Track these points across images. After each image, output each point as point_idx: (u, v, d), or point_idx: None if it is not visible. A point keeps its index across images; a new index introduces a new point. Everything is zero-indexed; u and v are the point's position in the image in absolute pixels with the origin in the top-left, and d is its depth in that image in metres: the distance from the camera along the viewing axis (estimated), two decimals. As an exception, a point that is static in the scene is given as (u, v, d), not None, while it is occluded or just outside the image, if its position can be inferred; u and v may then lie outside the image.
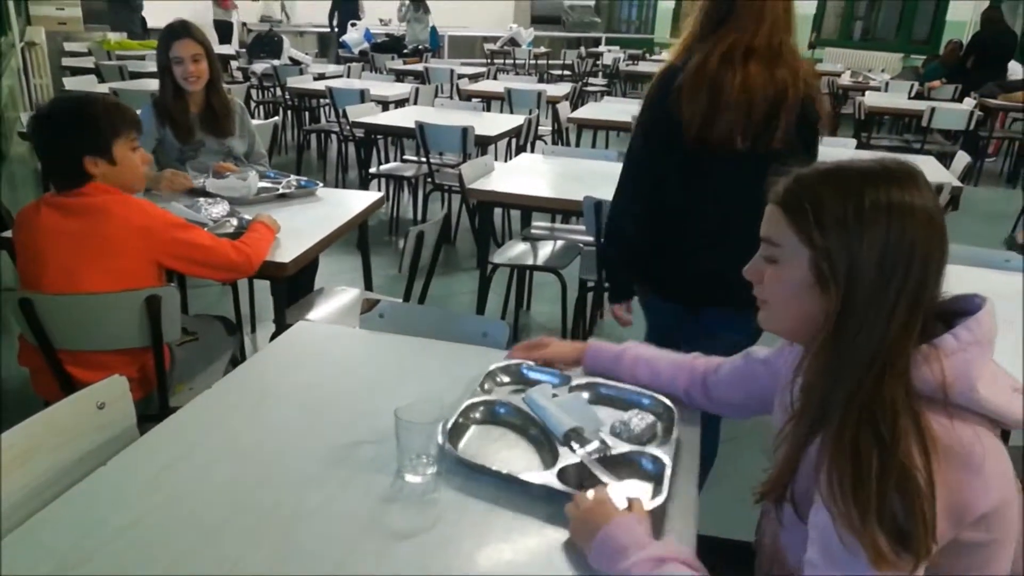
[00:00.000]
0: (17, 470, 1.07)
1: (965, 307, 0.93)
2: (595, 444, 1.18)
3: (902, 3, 11.77)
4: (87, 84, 5.32)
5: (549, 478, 1.10)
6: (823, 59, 11.16)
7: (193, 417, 1.27)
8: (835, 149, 4.27)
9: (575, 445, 1.17)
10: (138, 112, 1.96)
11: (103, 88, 5.10)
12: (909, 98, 7.44)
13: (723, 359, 1.35)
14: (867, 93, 7.55)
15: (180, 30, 2.66)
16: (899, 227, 0.87)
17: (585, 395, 1.35)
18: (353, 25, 10.43)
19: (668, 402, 1.31)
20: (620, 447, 1.18)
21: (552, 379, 1.39)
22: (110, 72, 6.01)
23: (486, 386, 1.36)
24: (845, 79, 8.69)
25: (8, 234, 2.06)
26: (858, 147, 4.66)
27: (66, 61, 7.13)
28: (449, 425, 1.21)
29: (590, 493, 1.03)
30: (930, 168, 3.57)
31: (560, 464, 1.13)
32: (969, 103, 6.79)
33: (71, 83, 5.41)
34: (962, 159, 3.66)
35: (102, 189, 1.76)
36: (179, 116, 2.70)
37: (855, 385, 0.87)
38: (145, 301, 1.70)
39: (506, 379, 1.41)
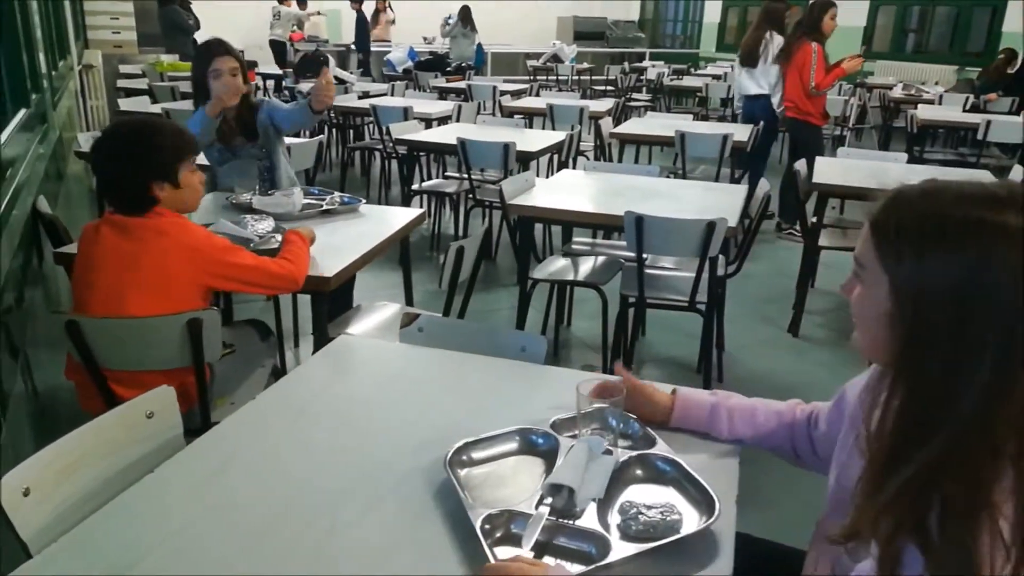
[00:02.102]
0: (69, 477, 1.11)
1: None
2: (569, 508, 1.06)
3: (956, 14, 11.52)
4: (141, 105, 5.49)
5: (478, 524, 1.00)
6: (874, 72, 10.98)
7: (237, 428, 1.29)
8: (886, 164, 4.20)
9: (547, 500, 1.07)
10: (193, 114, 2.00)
11: (156, 108, 5.27)
12: (964, 111, 7.26)
13: (820, 404, 1.21)
14: (920, 106, 7.39)
15: (218, 47, 2.81)
16: (986, 251, 0.75)
17: (623, 457, 1.17)
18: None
19: (717, 503, 1.05)
20: (587, 521, 1.04)
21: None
22: (162, 93, 6.20)
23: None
24: (897, 92, 8.52)
25: (65, 249, 2.14)
26: (910, 161, 4.57)
27: (121, 83, 7.38)
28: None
29: (503, 557, 0.95)
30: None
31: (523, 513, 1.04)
32: (1026, 115, 6.60)
33: (126, 104, 5.59)
34: (1019, 173, 3.55)
35: (161, 212, 1.83)
36: (222, 123, 2.82)
37: (928, 433, 0.76)
38: (187, 324, 1.73)
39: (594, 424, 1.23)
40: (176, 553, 0.98)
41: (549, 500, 1.08)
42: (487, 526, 1.02)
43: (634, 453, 1.19)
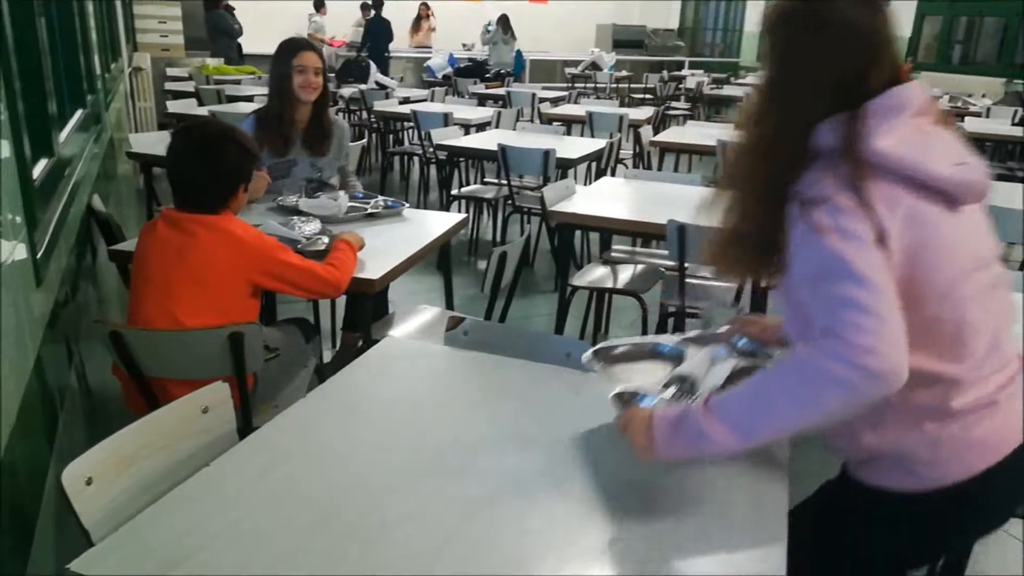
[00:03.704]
0: (128, 468, 1.14)
1: None
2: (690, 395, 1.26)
3: (1003, 25, 11.28)
4: (188, 107, 5.62)
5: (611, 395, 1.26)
6: (917, 83, 10.77)
7: (288, 426, 1.32)
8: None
9: (672, 387, 1.27)
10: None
11: (202, 111, 5.38)
12: (1013, 124, 7.10)
13: None
14: (967, 119, 7.25)
15: (305, 43, 2.83)
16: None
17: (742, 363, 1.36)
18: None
19: None
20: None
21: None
22: (208, 96, 6.33)
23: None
24: (943, 104, 8.38)
25: (119, 246, 2.20)
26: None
27: (168, 85, 7.55)
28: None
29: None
30: (1035, 197, 3.39)
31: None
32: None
33: (174, 106, 5.72)
34: (1070, 187, 3.46)
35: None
36: (283, 129, 2.81)
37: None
38: (228, 337, 1.74)
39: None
40: (231, 545, 1.00)
41: (674, 388, 1.26)
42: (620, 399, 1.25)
43: (751, 361, 1.37)
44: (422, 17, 12.48)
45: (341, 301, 3.07)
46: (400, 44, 11.60)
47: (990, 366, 1.14)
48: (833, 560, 1.26)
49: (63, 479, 1.06)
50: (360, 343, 2.26)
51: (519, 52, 11.10)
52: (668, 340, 1.43)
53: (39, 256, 1.78)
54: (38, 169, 2.14)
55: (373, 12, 10.52)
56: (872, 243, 1.05)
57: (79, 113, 3.35)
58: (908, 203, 1.10)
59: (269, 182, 2.75)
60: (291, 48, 2.77)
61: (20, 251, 1.63)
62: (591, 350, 1.40)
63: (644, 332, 3.02)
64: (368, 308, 2.23)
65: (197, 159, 1.86)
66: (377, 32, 10.48)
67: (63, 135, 2.73)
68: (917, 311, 1.07)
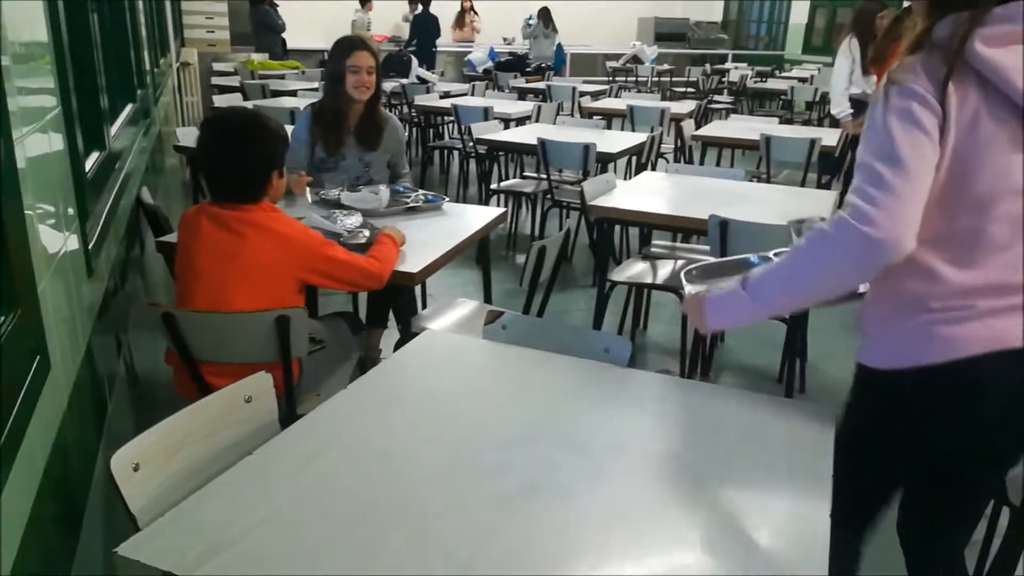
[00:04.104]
0: (174, 455, 1.16)
1: None
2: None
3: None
4: (233, 102, 5.71)
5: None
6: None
7: (329, 417, 1.33)
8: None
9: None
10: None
11: (247, 105, 5.46)
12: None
13: None
14: None
15: (360, 43, 2.85)
16: None
17: None
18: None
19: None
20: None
21: None
22: (253, 90, 6.43)
23: None
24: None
25: (166, 238, 2.24)
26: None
27: (214, 80, 7.69)
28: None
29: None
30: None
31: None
32: None
33: (220, 100, 5.81)
34: None
35: (262, 205, 1.87)
36: (337, 124, 2.86)
37: None
38: (275, 321, 1.77)
39: None
40: (273, 533, 1.02)
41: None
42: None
43: None
44: (465, 11, 12.49)
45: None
46: (444, 39, 11.64)
47: (991, 286, 1.19)
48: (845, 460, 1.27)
49: (112, 465, 1.08)
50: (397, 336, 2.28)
51: (560, 46, 11.05)
52: (756, 256, 1.52)
53: (90, 247, 1.83)
54: (90, 162, 2.20)
55: (420, 7, 10.59)
56: (929, 134, 1.14)
57: (129, 107, 3.43)
58: (982, 109, 1.15)
59: (310, 180, 2.79)
60: (346, 47, 2.81)
61: (72, 242, 1.67)
62: (683, 272, 1.54)
63: (683, 330, 2.99)
64: (409, 302, 2.24)
65: (229, 148, 1.85)
66: (424, 27, 10.57)
67: (114, 129, 2.80)
68: (949, 211, 1.17)
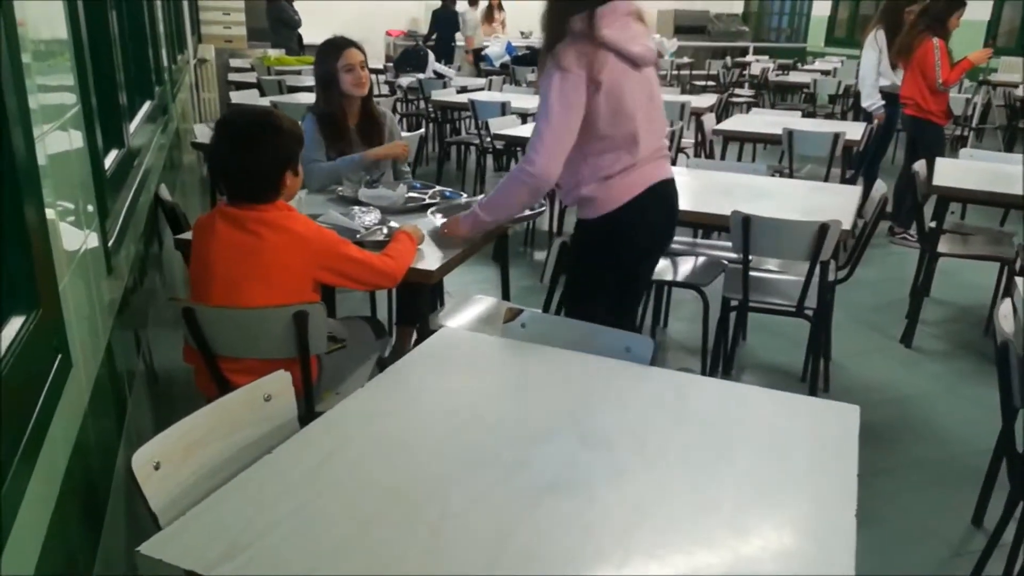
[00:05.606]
0: (195, 454, 1.16)
1: None
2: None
3: (1089, 6, 10.67)
4: (250, 98, 5.72)
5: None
6: (998, 69, 10.30)
7: (348, 415, 1.33)
8: (1012, 167, 3.94)
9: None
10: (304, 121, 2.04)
11: (264, 101, 5.48)
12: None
13: None
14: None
15: (346, 41, 2.85)
16: None
17: None
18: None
19: None
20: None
21: None
22: (269, 86, 6.44)
23: None
24: (1022, 91, 7.98)
25: (184, 236, 2.24)
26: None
27: (231, 76, 7.71)
28: None
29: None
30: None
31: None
32: None
33: (237, 96, 5.83)
34: None
35: (277, 204, 1.86)
36: (340, 126, 2.86)
37: None
38: (294, 316, 1.77)
39: None
40: (295, 531, 1.01)
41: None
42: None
43: None
44: (493, 6, 12.44)
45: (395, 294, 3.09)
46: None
47: (646, 159, 2.13)
48: (576, 274, 2.30)
49: (133, 464, 1.08)
50: (415, 336, 2.27)
51: (578, 39, 10.95)
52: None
53: (110, 244, 1.83)
54: (109, 159, 2.20)
55: (441, 2, 10.61)
56: (579, 90, 1.99)
57: (147, 104, 3.44)
58: (615, 64, 2.01)
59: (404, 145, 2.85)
60: (334, 48, 2.80)
61: (92, 240, 1.68)
62: (430, 211, 2.44)
63: (705, 326, 2.95)
64: (426, 299, 2.23)
65: (242, 148, 1.83)
66: (446, 22, 10.58)
67: (132, 126, 2.80)
68: (619, 123, 2.06)
